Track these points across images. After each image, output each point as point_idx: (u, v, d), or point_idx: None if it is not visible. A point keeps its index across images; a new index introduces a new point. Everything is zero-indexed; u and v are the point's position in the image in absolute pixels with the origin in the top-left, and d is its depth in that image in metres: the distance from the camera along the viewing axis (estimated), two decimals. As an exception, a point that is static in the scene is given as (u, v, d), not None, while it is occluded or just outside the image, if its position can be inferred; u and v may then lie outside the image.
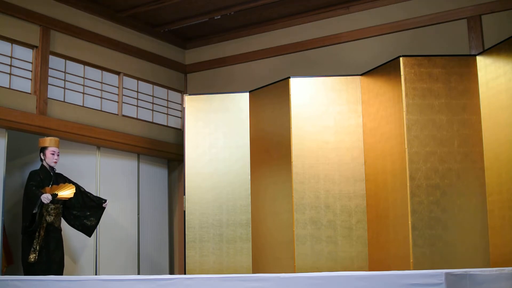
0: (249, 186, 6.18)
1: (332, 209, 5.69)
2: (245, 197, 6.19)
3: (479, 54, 5.39)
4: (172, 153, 7.29)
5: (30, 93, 5.80)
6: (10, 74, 5.66)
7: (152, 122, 7.16)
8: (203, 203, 6.24)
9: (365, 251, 5.62)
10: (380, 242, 5.49)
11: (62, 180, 5.64)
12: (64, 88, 6.17)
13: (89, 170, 6.35)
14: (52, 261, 5.40)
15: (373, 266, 5.51)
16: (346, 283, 3.02)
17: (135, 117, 6.94)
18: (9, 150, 5.63)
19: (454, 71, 5.36)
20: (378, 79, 5.65)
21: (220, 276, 3.36)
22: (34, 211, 5.26)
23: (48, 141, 5.61)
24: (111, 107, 6.67)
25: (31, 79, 5.82)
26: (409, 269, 4.95)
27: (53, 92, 6.03)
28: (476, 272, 3.01)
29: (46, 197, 5.28)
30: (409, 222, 5.09)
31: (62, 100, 6.13)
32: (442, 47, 6.03)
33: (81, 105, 6.32)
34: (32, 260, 5.25)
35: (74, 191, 5.50)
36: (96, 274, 6.25)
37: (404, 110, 5.25)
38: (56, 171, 5.68)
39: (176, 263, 7.33)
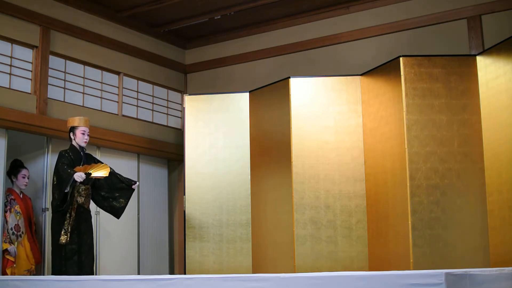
0: (249, 186, 6.18)
1: (332, 209, 5.69)
2: (245, 197, 6.19)
3: (479, 54, 5.39)
4: (172, 153, 7.29)
5: (30, 93, 5.80)
6: (10, 74, 5.66)
7: (152, 122, 7.16)
8: (203, 203, 6.24)
9: (365, 251, 5.62)
10: (380, 242, 5.48)
11: (92, 160, 5.48)
12: (64, 88, 6.17)
13: (89, 170, 6.35)
14: (83, 243, 5.26)
15: (373, 266, 5.51)
16: (346, 283, 3.02)
17: (135, 117, 6.94)
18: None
19: (454, 71, 5.35)
20: (378, 79, 5.65)
21: (220, 276, 3.36)
22: (66, 190, 5.09)
23: (77, 120, 5.42)
24: (111, 107, 6.67)
25: (31, 79, 5.82)
26: (409, 269, 4.95)
27: (53, 92, 6.03)
28: (476, 272, 3.01)
29: (79, 176, 5.07)
30: (409, 222, 5.09)
31: (62, 100, 6.13)
32: (442, 47, 6.03)
33: (81, 105, 6.32)
34: (64, 242, 5.08)
35: (109, 171, 5.29)
36: (96, 274, 6.25)
37: (404, 110, 5.25)
38: (86, 151, 5.53)
39: (176, 263, 7.33)
